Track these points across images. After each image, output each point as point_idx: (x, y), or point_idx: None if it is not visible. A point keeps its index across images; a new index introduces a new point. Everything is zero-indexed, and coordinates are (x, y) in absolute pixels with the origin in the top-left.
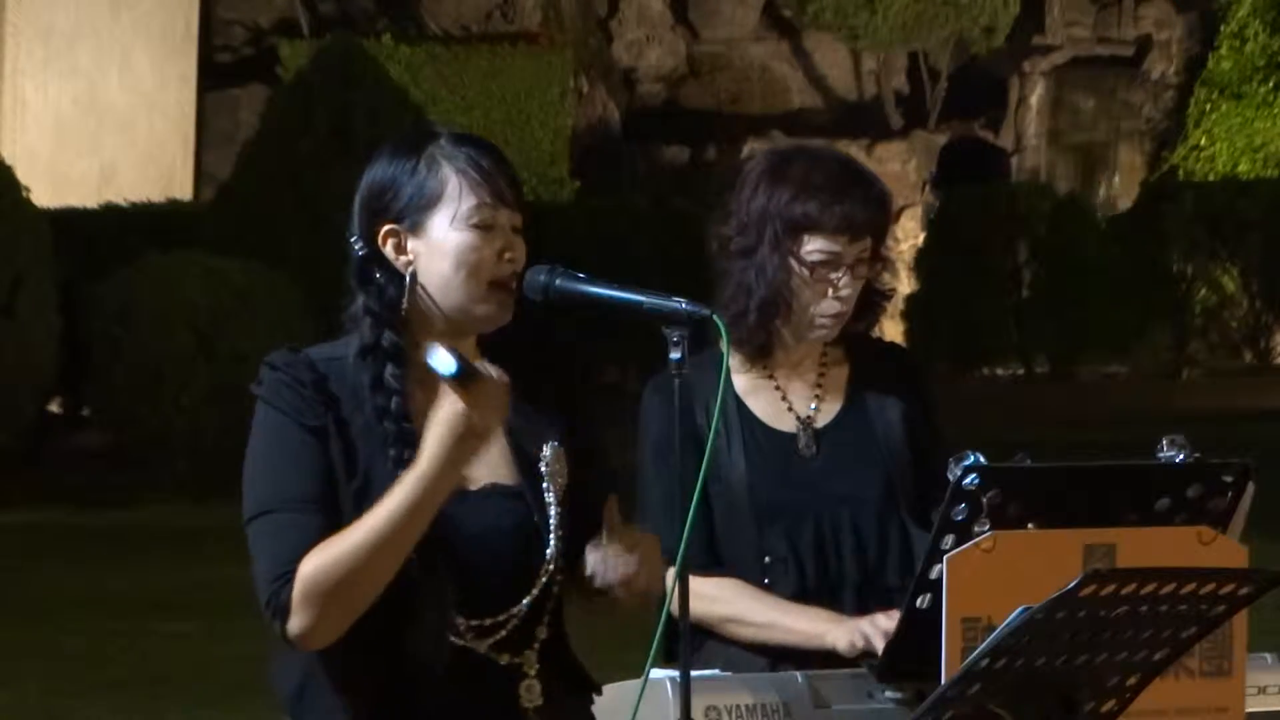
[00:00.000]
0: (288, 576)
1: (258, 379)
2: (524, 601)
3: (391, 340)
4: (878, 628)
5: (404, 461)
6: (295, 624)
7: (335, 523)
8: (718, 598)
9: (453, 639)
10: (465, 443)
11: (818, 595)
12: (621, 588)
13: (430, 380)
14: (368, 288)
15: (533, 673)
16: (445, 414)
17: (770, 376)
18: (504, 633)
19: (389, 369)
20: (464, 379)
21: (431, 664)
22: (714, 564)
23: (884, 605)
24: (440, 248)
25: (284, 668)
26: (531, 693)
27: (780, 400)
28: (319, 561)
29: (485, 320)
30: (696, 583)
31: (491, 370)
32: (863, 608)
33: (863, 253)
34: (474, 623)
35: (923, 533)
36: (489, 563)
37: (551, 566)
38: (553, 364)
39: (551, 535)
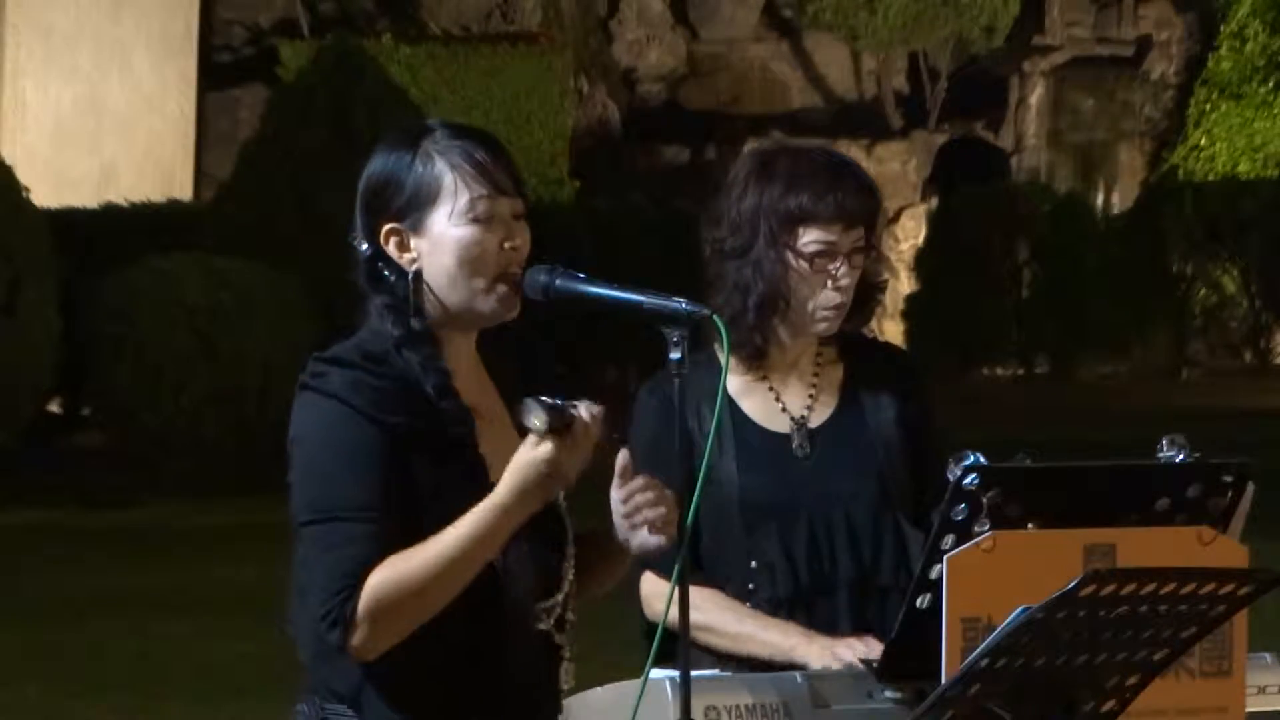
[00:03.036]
0: (352, 590)
1: (313, 373)
2: (567, 581)
3: (422, 324)
4: (853, 649)
5: (465, 440)
6: (358, 637)
7: (400, 530)
8: (695, 605)
9: (532, 621)
10: (548, 484)
11: (813, 595)
12: (650, 529)
13: (463, 363)
14: (379, 286)
15: (569, 655)
16: (533, 456)
17: (764, 378)
18: (559, 611)
19: (428, 350)
20: (557, 429)
21: (518, 645)
22: (695, 569)
23: (879, 605)
24: (442, 245)
25: (337, 663)
26: (568, 675)
27: (774, 401)
28: (387, 578)
29: (492, 315)
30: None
31: (584, 411)
32: (857, 607)
33: (857, 242)
34: (542, 604)
35: (917, 532)
36: (538, 549)
37: (573, 548)
38: (545, 359)
39: (566, 517)
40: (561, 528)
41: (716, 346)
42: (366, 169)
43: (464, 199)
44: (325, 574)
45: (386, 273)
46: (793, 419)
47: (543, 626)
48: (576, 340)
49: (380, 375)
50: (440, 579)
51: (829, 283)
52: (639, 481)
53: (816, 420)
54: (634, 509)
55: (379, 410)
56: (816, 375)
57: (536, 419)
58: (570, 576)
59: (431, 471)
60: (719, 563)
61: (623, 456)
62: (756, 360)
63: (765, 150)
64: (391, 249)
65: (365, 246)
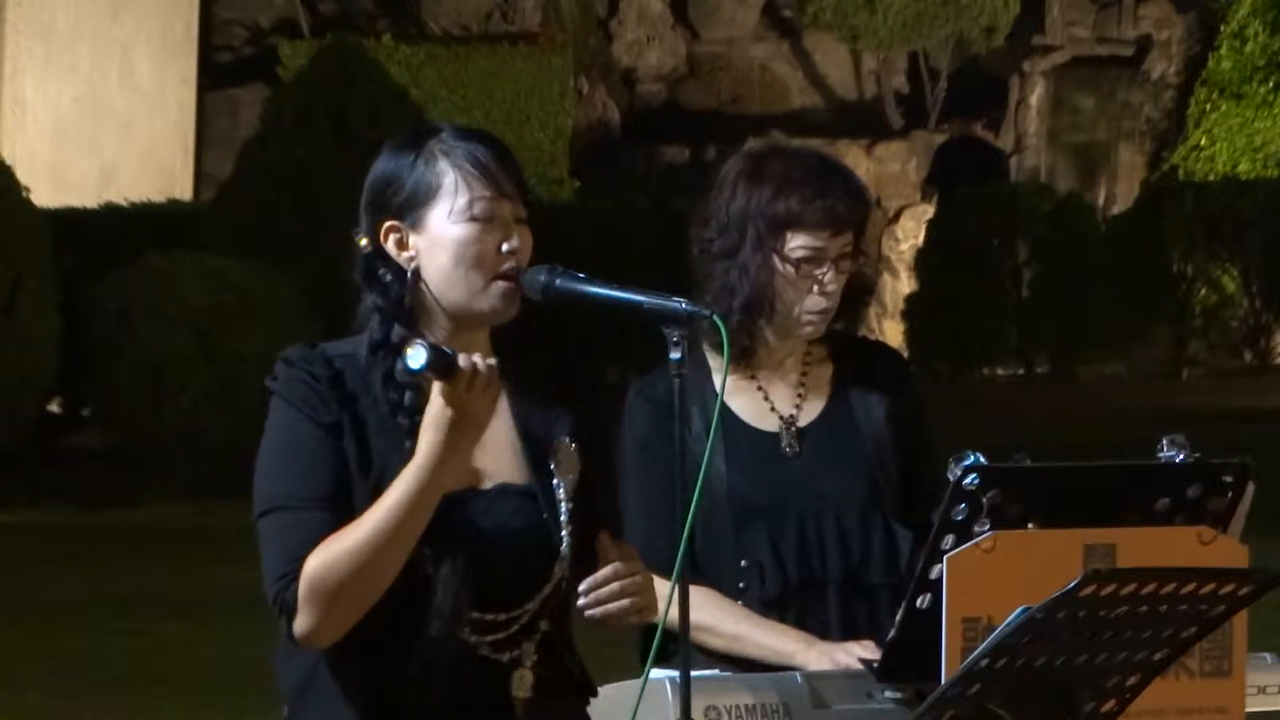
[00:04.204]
0: (292, 575)
1: (272, 373)
2: (536, 599)
3: (401, 335)
4: (852, 655)
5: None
6: (301, 622)
7: (345, 520)
8: (692, 604)
9: (460, 636)
10: (453, 436)
11: (801, 594)
12: (611, 619)
13: None
14: (373, 284)
15: (528, 663)
16: (432, 410)
17: (752, 377)
18: (515, 628)
19: (400, 363)
20: (439, 372)
21: (441, 659)
22: (690, 569)
23: (868, 604)
24: (439, 242)
25: (289, 662)
26: (522, 682)
27: (763, 400)
28: (322, 559)
29: (490, 314)
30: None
31: (478, 361)
32: (847, 606)
33: (845, 247)
34: (488, 617)
35: (906, 531)
36: (500, 562)
37: (565, 563)
38: (560, 361)
39: (564, 532)
40: (549, 539)
41: (705, 346)
42: (372, 168)
43: (463, 198)
44: (269, 563)
45: (382, 271)
46: (781, 418)
47: (491, 637)
48: (577, 340)
49: (314, 375)
50: (374, 553)
51: (815, 288)
52: (603, 575)
53: (805, 419)
54: (594, 601)
55: (312, 409)
56: (804, 374)
57: (414, 359)
58: (554, 585)
59: (385, 473)
60: (710, 562)
61: (603, 539)
62: (743, 360)
63: (756, 151)
64: (390, 247)
65: (365, 243)
